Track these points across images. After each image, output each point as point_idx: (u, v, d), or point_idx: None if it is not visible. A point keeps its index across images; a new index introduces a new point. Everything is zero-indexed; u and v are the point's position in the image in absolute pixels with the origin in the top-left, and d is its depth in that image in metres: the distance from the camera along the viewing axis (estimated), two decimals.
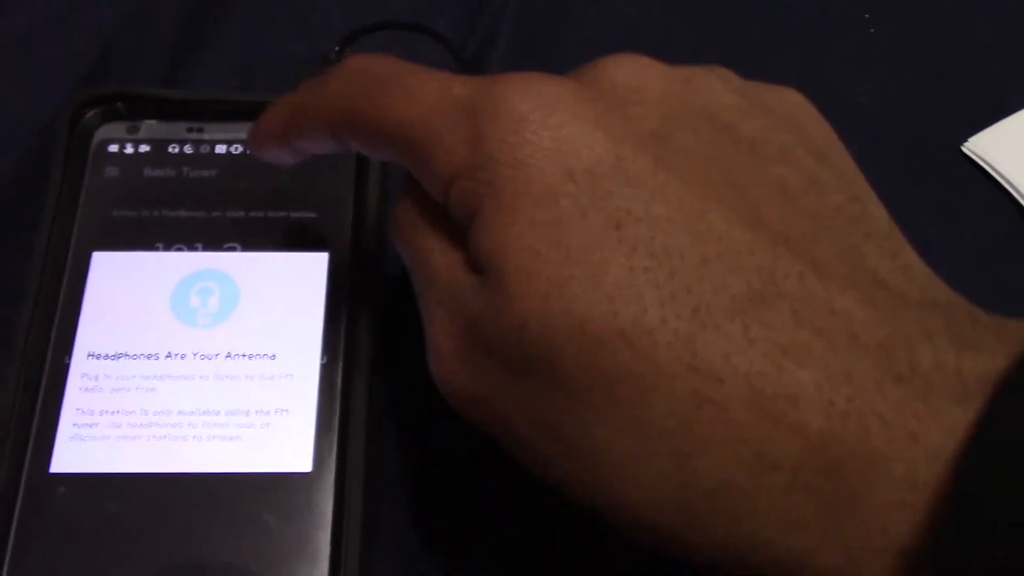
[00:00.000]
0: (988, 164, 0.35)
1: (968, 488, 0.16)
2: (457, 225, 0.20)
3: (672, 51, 0.37)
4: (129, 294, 0.28)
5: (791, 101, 0.23)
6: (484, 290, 0.19)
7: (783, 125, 0.21)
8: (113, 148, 0.31)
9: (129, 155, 0.31)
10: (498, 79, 0.20)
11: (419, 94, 0.21)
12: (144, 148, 0.31)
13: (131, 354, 0.27)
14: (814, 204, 0.20)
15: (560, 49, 0.38)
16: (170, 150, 0.31)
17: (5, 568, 0.24)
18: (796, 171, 0.20)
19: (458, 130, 0.20)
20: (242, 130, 0.31)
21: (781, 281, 0.18)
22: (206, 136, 0.31)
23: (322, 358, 0.27)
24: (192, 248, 0.29)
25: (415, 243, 0.22)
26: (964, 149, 0.36)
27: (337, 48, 0.34)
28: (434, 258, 0.21)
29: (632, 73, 0.21)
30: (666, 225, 0.18)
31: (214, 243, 0.29)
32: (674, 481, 0.18)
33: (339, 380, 0.27)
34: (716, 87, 0.22)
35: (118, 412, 0.26)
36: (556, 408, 0.18)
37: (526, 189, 0.19)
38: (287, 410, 0.27)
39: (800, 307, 0.18)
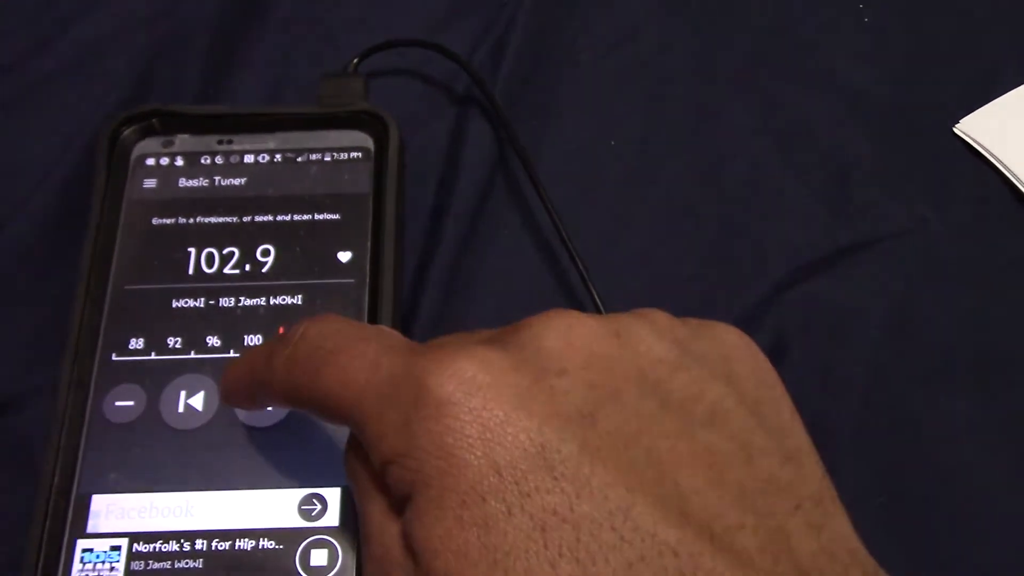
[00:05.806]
0: (979, 144, 0.36)
1: None
2: (396, 499, 0.20)
3: (674, 48, 0.39)
4: None
5: (726, 342, 0.22)
6: None
7: (716, 375, 0.21)
8: (150, 161, 0.33)
9: (165, 167, 0.33)
10: (419, 355, 0.20)
11: (351, 374, 0.21)
12: (179, 161, 0.33)
13: None
14: (742, 476, 0.20)
15: (568, 51, 0.40)
16: (202, 161, 0.33)
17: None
18: (725, 436, 0.20)
19: (388, 414, 0.20)
20: (268, 140, 0.34)
21: None
22: (235, 147, 0.34)
23: None
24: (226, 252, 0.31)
25: (359, 497, 0.22)
26: (956, 130, 0.37)
27: (356, 60, 0.37)
28: (374, 521, 0.21)
29: (559, 335, 0.20)
30: (591, 527, 0.18)
31: (245, 246, 0.32)
32: None
33: None
34: (647, 339, 0.21)
35: None
36: None
37: (453, 484, 0.19)
38: None
39: None
